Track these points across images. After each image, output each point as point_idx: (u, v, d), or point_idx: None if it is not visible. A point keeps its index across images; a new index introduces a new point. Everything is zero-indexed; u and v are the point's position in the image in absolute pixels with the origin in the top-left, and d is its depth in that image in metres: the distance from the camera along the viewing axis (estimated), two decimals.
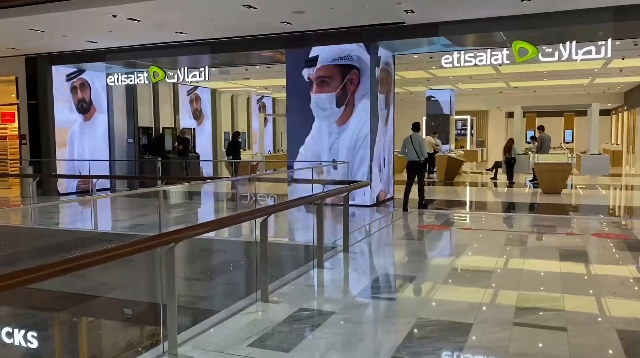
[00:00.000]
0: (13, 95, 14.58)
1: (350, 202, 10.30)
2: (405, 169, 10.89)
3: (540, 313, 4.50)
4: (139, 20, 10.00)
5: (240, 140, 16.67)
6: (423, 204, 10.73)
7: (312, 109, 11.06)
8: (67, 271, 2.88)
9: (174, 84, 18.52)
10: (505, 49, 10.18)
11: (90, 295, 7.40)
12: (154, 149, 17.01)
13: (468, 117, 25.84)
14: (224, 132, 21.40)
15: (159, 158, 16.93)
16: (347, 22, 10.32)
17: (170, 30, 10.97)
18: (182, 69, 12.59)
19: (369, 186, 10.33)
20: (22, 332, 6.40)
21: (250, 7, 9.03)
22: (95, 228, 8.96)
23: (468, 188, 15.92)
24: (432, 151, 18.75)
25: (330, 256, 6.57)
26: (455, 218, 10.20)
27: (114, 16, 9.59)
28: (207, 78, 12.37)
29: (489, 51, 10.30)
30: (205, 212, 12.68)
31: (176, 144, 17.28)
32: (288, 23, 10.33)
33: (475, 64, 10.37)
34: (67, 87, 14.31)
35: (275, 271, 5.72)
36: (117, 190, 15.52)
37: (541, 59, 10.23)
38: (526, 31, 9.76)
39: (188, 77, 12.53)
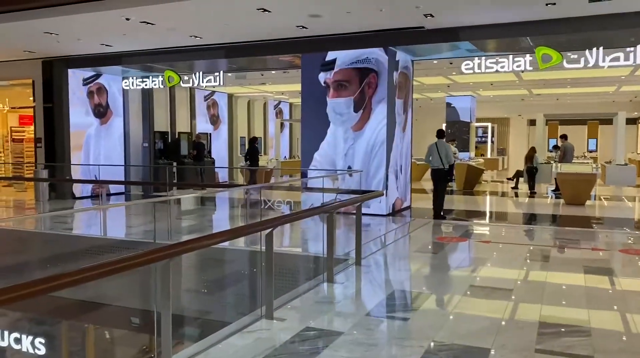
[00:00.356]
0: (31, 98, 14.60)
1: (365, 211, 10.10)
2: (430, 177, 10.67)
3: (565, 338, 4.17)
4: (152, 24, 9.86)
5: (257, 145, 16.48)
6: (441, 214, 10.49)
7: (329, 114, 10.81)
8: (53, 289, 2.67)
9: (190, 88, 18.46)
10: (528, 55, 9.82)
11: (85, 302, 7.21)
12: (170, 153, 16.93)
13: (489, 124, 25.36)
14: (240, 137, 21.26)
15: (174, 163, 16.88)
16: (363, 26, 10.06)
17: (184, 34, 10.83)
18: (197, 73, 12.44)
19: (384, 195, 10.03)
20: (30, 338, 6.25)
21: (265, 10, 8.83)
22: (105, 235, 8.80)
23: (488, 197, 15.51)
24: None
25: (341, 269, 6.28)
26: (475, 229, 9.84)
27: (127, 19, 9.47)
28: (222, 83, 12.20)
29: (511, 57, 9.95)
30: (216, 219, 12.48)
31: (191, 149, 17.17)
32: (304, 27, 10.11)
33: (497, 71, 10.03)
34: (84, 91, 14.28)
35: (282, 284, 5.46)
36: (131, 194, 15.43)
37: (566, 65, 9.85)
38: (550, 37, 9.40)
39: (203, 82, 12.37)
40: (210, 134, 18.83)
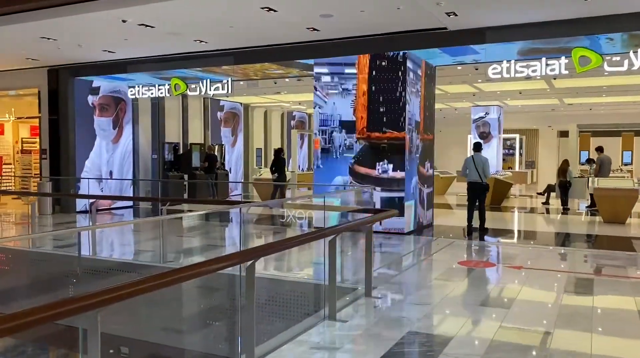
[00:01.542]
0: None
1: (384, 226, 9.21)
2: (466, 191, 10.15)
3: None
4: (152, 27, 9.18)
5: (284, 156, 15.70)
6: (484, 229, 9.96)
7: None
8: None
9: (204, 98, 17.85)
10: (563, 57, 8.82)
11: None
12: (181, 165, 16.27)
13: (517, 136, 24.16)
14: (256, 148, 20.54)
15: (185, 175, 16.21)
16: (378, 27, 9.21)
17: (188, 38, 10.12)
18: (205, 81, 11.72)
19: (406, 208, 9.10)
20: None
21: (270, 9, 8.05)
22: (94, 255, 8.06)
23: (517, 213, 14.40)
24: None
25: (348, 302, 5.38)
26: (503, 251, 8.84)
27: (124, 21, 8.79)
28: (229, 91, 11.47)
29: (543, 59, 8.95)
30: (209, 238, 11.61)
31: (202, 161, 16.49)
32: (315, 29, 9.30)
33: (528, 75, 9.05)
34: (91, 100, 13.71)
35: (270, 322, 4.57)
36: (140, 208, 14.76)
37: (607, 69, 8.82)
38: (589, 37, 8.41)
39: (210, 90, 11.65)
40: (224, 145, 18.11)
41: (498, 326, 4.82)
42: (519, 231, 11.73)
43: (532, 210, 15.13)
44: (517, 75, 9.11)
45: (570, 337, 4.59)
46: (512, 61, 9.17)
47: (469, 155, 18.49)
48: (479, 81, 13.94)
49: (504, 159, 22.18)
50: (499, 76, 9.22)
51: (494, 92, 16.43)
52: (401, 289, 6.27)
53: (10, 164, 17.40)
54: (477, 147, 10.24)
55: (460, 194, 18.44)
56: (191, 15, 8.56)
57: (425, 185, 10.86)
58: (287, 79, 13.48)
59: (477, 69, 11.78)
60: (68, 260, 7.24)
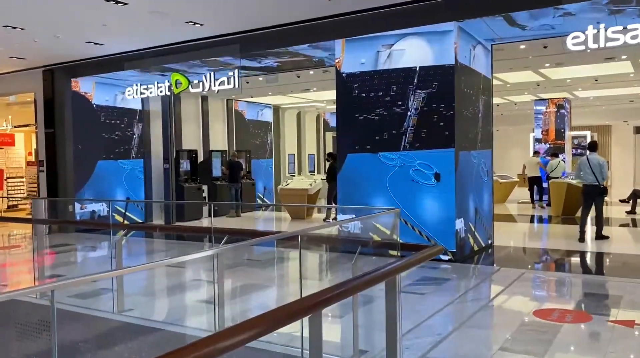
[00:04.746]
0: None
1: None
2: (582, 195, 9.42)
3: None
4: (125, 3, 7.26)
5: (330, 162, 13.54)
6: (601, 235, 9.09)
7: None
8: None
9: (227, 99, 16.00)
10: None
11: None
12: (200, 175, 14.40)
13: (587, 133, 21.08)
14: (289, 154, 18.50)
15: (204, 186, 14.35)
16: None
17: (178, 19, 8.18)
18: (208, 75, 9.76)
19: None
20: None
21: None
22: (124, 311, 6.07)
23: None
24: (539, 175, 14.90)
25: None
26: (597, 289, 6.35)
27: None
28: (237, 85, 9.45)
29: None
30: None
31: (224, 169, 14.60)
32: None
33: (625, 43, 6.51)
34: (94, 106, 12.06)
35: None
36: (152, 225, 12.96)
37: None
38: None
39: (215, 86, 9.68)
40: (249, 151, 16.15)
41: None
42: (610, 256, 8.97)
43: (616, 223, 12.31)
44: (609, 45, 6.58)
45: None
46: (601, 26, 6.65)
47: (531, 156, 15.97)
48: (546, 65, 11.35)
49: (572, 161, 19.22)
50: (582, 47, 6.72)
51: (563, 80, 13.72)
52: None
53: (21, 177, 16.07)
54: (592, 146, 9.48)
55: (521, 202, 15.74)
56: None
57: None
58: (311, 72, 11.37)
59: (545, 47, 9.27)
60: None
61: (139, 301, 6.06)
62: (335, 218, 11.91)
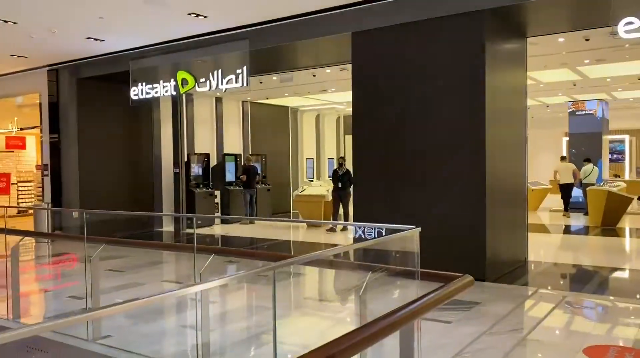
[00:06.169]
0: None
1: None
2: None
3: None
4: None
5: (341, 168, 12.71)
6: None
7: None
8: None
9: (243, 101, 15.32)
10: None
11: None
12: (212, 180, 13.71)
13: (626, 137, 19.80)
14: (307, 159, 17.72)
15: (216, 192, 13.64)
16: None
17: (178, 10, 7.48)
18: (215, 72, 9.03)
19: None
20: None
21: None
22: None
23: None
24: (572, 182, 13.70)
25: None
26: None
27: None
28: (245, 83, 8.70)
29: None
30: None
31: (240, 173, 13.86)
32: None
33: None
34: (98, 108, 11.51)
35: None
36: (163, 232, 12.32)
37: None
38: None
39: (222, 84, 8.94)
40: (265, 155, 15.40)
41: None
42: None
43: None
44: None
45: None
46: None
47: (560, 161, 14.84)
48: (586, 61, 10.34)
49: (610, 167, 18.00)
50: (636, 35, 5.78)
51: (602, 79, 12.65)
52: None
53: (32, 181, 15.61)
54: None
55: (553, 210, 14.63)
56: None
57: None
58: (327, 70, 10.57)
59: (587, 40, 8.31)
60: None
61: (119, 325, 5.28)
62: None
